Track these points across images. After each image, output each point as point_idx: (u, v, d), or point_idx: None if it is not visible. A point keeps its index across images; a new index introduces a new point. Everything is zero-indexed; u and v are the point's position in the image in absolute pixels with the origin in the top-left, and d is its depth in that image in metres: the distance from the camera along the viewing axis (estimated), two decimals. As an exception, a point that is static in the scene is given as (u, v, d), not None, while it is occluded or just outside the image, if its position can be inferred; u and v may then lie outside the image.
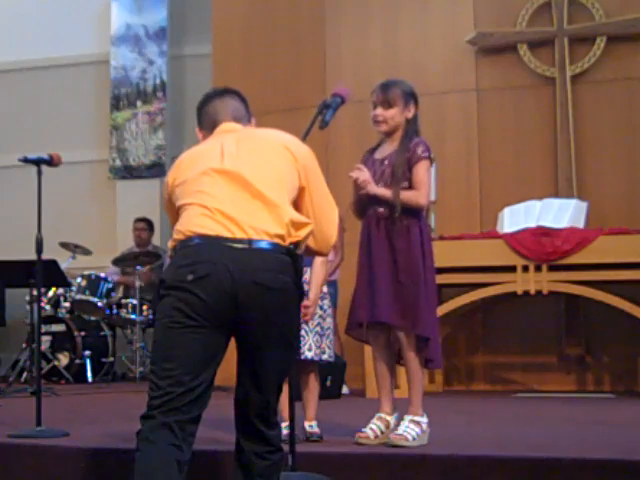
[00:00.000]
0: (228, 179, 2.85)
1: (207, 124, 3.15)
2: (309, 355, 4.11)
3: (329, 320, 4.21)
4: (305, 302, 4.02)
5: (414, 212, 3.94)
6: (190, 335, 2.74)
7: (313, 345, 4.12)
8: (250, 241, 2.77)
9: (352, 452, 3.64)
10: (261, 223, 2.79)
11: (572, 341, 6.93)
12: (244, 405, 2.91)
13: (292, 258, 2.84)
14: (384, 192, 3.93)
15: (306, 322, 4.07)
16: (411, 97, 4.04)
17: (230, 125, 3.10)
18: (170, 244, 2.89)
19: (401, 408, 3.98)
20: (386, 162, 4.00)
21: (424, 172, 3.94)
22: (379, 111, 4.03)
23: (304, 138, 3.95)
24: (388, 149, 4.04)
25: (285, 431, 4.04)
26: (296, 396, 3.64)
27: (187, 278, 2.73)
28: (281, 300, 2.82)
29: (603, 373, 6.92)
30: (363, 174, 3.94)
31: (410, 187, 3.94)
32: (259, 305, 2.78)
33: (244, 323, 2.79)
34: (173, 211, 2.98)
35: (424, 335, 3.87)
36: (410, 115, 4.02)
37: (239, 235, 2.77)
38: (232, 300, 2.73)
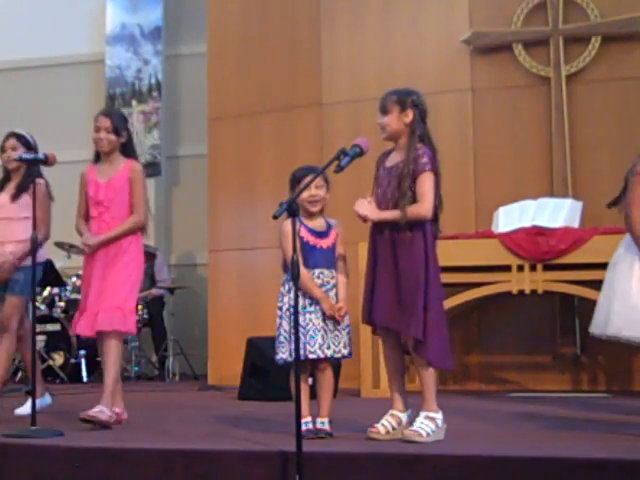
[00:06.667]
0: None
1: None
2: (345, 352, 4.22)
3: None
4: (338, 305, 4.12)
5: (419, 223, 3.99)
6: None
7: (347, 343, 4.23)
8: None
9: (350, 451, 3.64)
10: None
11: (567, 340, 6.93)
12: None
13: None
14: (386, 215, 4.02)
15: (338, 322, 4.17)
16: (407, 102, 4.06)
17: None
18: None
19: (415, 401, 4.07)
20: (393, 172, 4.05)
21: (425, 183, 3.98)
22: (378, 119, 4.10)
23: (318, 175, 4.02)
24: (396, 158, 4.10)
25: (303, 427, 4.04)
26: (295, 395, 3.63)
27: None
28: None
29: (598, 372, 6.92)
30: (363, 208, 4.02)
31: (414, 198, 3.99)
32: None
33: None
34: None
35: (417, 337, 3.95)
36: (408, 120, 4.05)
37: None
38: None
